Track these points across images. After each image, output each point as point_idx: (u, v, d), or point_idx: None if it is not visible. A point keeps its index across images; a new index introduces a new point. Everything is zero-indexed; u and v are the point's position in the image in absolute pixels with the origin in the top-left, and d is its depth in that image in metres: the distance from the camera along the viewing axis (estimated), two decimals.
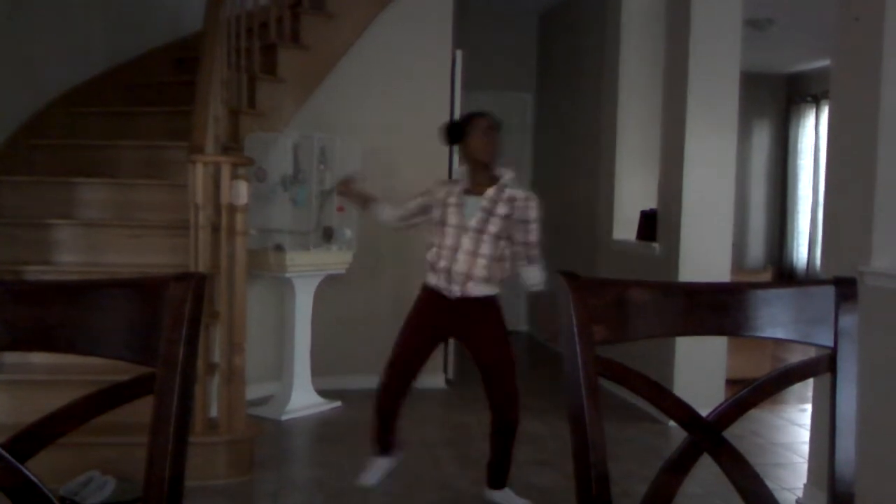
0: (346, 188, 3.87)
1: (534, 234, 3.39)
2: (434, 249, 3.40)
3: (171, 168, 4.49)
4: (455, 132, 3.50)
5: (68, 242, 4.26)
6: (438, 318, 3.42)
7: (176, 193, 4.16)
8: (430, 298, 3.42)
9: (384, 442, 3.53)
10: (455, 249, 3.33)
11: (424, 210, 3.51)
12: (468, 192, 3.39)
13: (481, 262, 3.33)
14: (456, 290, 3.34)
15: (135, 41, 5.48)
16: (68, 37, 5.12)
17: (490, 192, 3.34)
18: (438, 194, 3.45)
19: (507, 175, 3.42)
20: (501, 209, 3.33)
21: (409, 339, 3.43)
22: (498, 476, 3.52)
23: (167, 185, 4.45)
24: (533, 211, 3.37)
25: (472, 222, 3.33)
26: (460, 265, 3.33)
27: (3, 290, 1.09)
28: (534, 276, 3.44)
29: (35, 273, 4.04)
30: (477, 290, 3.35)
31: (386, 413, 3.46)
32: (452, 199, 3.38)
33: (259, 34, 5.05)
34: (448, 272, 3.34)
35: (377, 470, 3.56)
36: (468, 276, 3.33)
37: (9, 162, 4.59)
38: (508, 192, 3.37)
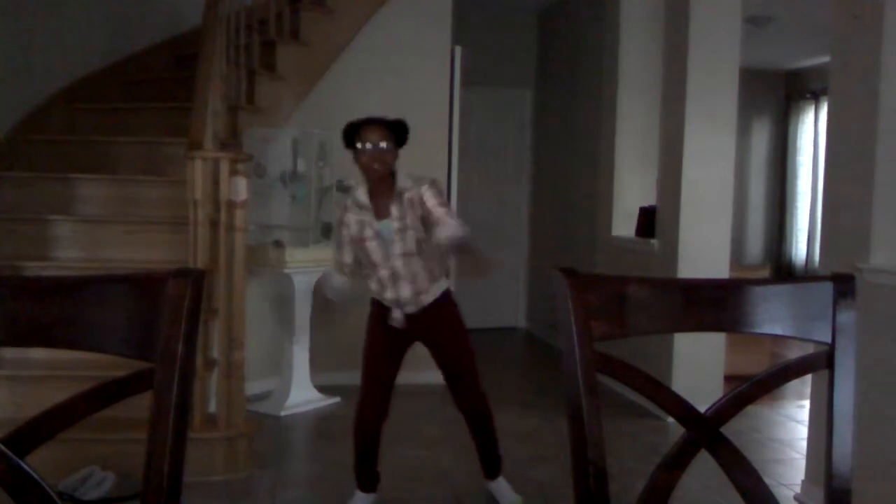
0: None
1: (438, 210, 3.15)
2: (373, 282, 3.27)
3: (171, 164, 4.50)
4: (347, 138, 3.23)
5: (67, 238, 4.26)
6: (398, 332, 3.29)
7: (175, 189, 4.16)
8: (383, 316, 3.29)
9: (367, 476, 3.38)
10: (395, 280, 3.21)
11: (356, 243, 3.28)
12: (378, 215, 3.20)
13: (421, 275, 3.21)
14: (412, 309, 3.25)
15: (134, 37, 5.48)
16: (67, 33, 5.11)
17: (394, 209, 3.17)
18: (353, 230, 3.24)
19: (403, 181, 3.19)
20: (410, 218, 3.16)
21: (376, 357, 3.32)
22: (487, 465, 3.50)
23: (166, 181, 4.45)
24: (430, 199, 3.16)
25: (395, 248, 3.18)
26: (405, 290, 3.22)
27: (3, 286, 1.10)
28: (446, 228, 3.12)
29: (34, 269, 4.04)
30: (430, 297, 3.26)
31: (367, 440, 3.32)
32: (368, 232, 3.20)
33: (258, 30, 5.05)
34: (397, 301, 3.24)
35: None
36: (417, 293, 3.24)
37: (8, 158, 4.59)
38: (406, 196, 3.17)
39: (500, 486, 3.52)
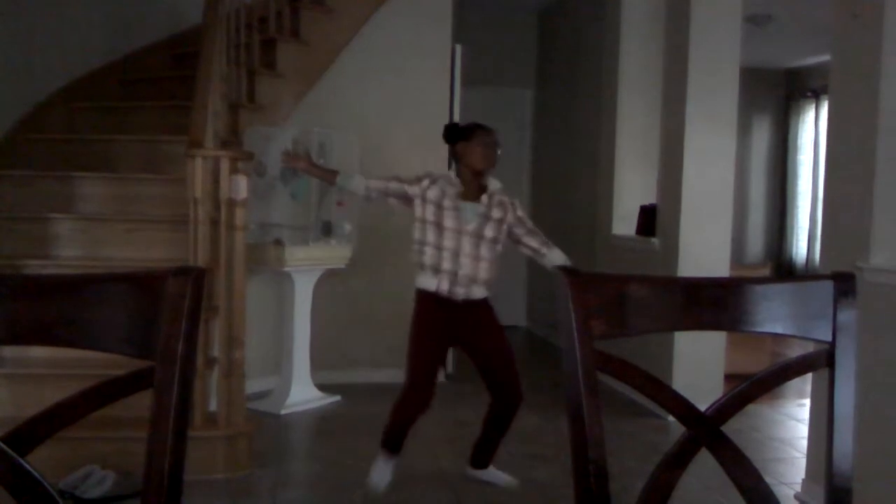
0: (298, 163, 3.79)
1: (529, 222, 3.56)
2: (429, 250, 3.41)
3: (171, 162, 4.49)
4: (455, 133, 3.55)
5: (67, 237, 4.26)
6: (446, 323, 3.43)
7: (175, 188, 4.16)
8: (433, 305, 3.43)
9: (397, 445, 3.49)
10: (457, 253, 3.39)
11: (405, 197, 3.51)
12: (463, 196, 3.45)
13: (483, 265, 3.42)
14: (461, 293, 3.39)
15: (134, 36, 5.48)
16: (67, 32, 5.11)
17: (484, 198, 3.45)
18: (429, 192, 3.44)
19: (494, 184, 3.53)
20: (496, 213, 3.45)
21: (426, 352, 3.44)
22: (484, 456, 3.64)
23: (166, 180, 4.45)
24: (520, 209, 3.55)
25: (471, 227, 3.41)
26: (465, 268, 3.39)
27: (3, 285, 1.09)
28: (558, 256, 3.54)
29: (34, 267, 4.04)
30: (479, 292, 3.44)
31: (408, 422, 3.45)
32: (448, 203, 3.41)
33: (258, 29, 5.05)
34: (454, 275, 3.39)
35: (387, 470, 3.50)
36: (472, 280, 3.40)
37: (8, 156, 4.59)
38: (497, 197, 3.49)
39: (493, 472, 3.66)
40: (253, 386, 4.50)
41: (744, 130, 8.88)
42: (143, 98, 5.17)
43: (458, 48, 5.79)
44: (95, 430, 3.41)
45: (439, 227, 3.41)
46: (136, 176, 4.54)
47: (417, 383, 3.41)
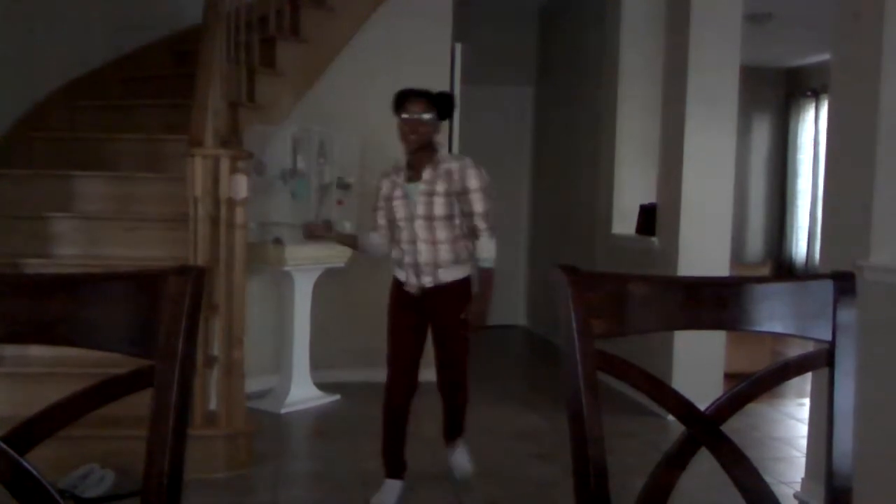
0: (321, 233, 3.70)
1: (478, 203, 3.29)
2: (394, 245, 3.40)
3: (171, 161, 4.49)
4: (395, 107, 3.37)
5: (67, 235, 4.26)
6: (416, 305, 3.38)
7: (175, 187, 4.16)
8: (403, 291, 3.41)
9: (396, 460, 3.44)
10: (413, 242, 3.32)
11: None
12: (409, 179, 3.35)
13: (443, 247, 3.30)
14: (428, 281, 3.33)
15: (134, 34, 5.47)
16: (68, 30, 5.11)
17: (426, 173, 3.29)
18: (383, 191, 3.43)
19: (442, 150, 3.38)
20: (440, 187, 3.26)
21: (398, 334, 3.42)
22: (452, 432, 3.63)
23: (166, 179, 4.44)
24: (472, 179, 3.27)
25: (419, 209, 3.28)
26: (424, 256, 3.31)
27: (3, 284, 1.09)
28: (482, 249, 3.31)
29: (34, 266, 4.04)
30: (448, 275, 3.32)
31: (396, 417, 3.39)
32: (397, 192, 3.35)
33: (258, 27, 5.05)
34: (415, 266, 3.33)
35: (391, 493, 3.41)
36: (436, 265, 3.31)
37: (8, 155, 4.59)
38: (444, 166, 3.29)
39: (456, 453, 3.65)
40: (253, 385, 4.49)
41: (744, 129, 8.87)
42: (143, 97, 5.16)
43: (459, 46, 5.78)
44: (95, 429, 3.41)
45: (392, 221, 3.38)
46: (136, 175, 4.54)
47: (394, 363, 3.41)
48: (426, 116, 3.28)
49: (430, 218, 3.26)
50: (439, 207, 3.25)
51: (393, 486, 3.43)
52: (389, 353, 3.43)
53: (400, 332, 3.41)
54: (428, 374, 3.48)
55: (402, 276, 3.39)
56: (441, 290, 3.33)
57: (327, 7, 5.36)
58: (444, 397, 3.51)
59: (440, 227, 3.27)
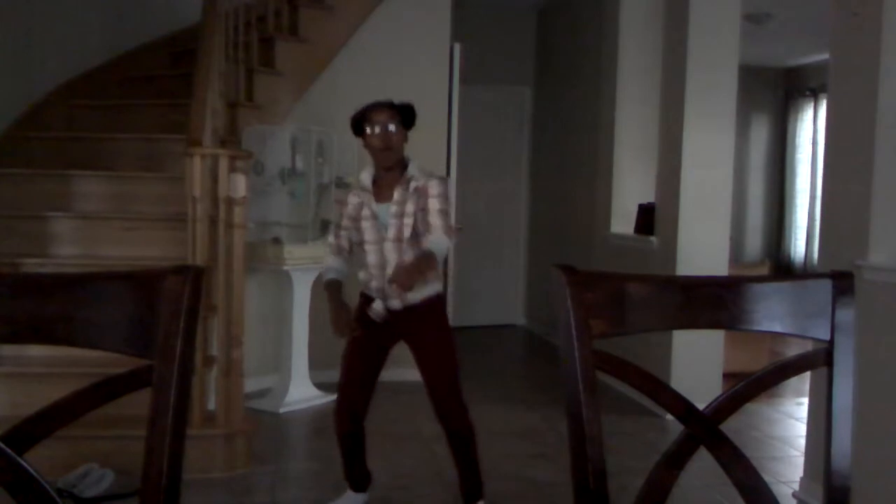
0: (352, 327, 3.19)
1: (434, 203, 3.05)
2: (362, 270, 3.17)
3: (169, 161, 4.50)
4: (355, 126, 3.15)
5: (66, 235, 4.26)
6: (381, 329, 3.15)
7: (173, 186, 4.16)
8: (365, 311, 3.16)
9: (354, 476, 3.36)
10: (382, 266, 3.08)
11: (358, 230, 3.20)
12: (378, 198, 3.12)
13: None
14: (396, 305, 3.12)
15: (132, 34, 5.48)
16: (66, 29, 5.11)
17: (396, 194, 3.07)
18: (350, 210, 3.18)
19: (411, 165, 3.13)
20: (410, 206, 3.05)
21: (351, 360, 3.25)
22: (469, 490, 3.24)
23: (165, 178, 4.45)
24: (433, 188, 3.06)
25: (390, 232, 3.06)
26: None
27: (1, 283, 1.09)
28: (434, 241, 3.00)
29: (33, 266, 4.04)
30: (417, 296, 3.08)
31: (348, 441, 3.29)
32: (365, 212, 3.11)
33: (257, 27, 5.05)
34: (383, 291, 3.11)
35: (348, 503, 3.36)
36: None
37: (6, 154, 4.59)
38: (413, 184, 3.08)
39: None
40: (251, 384, 4.50)
41: (742, 129, 8.89)
42: (141, 96, 5.16)
43: (457, 46, 5.78)
44: (94, 429, 3.41)
45: (362, 243, 3.14)
46: (134, 174, 4.54)
47: (345, 387, 3.25)
48: (393, 127, 3.07)
49: (399, 240, 3.06)
50: (408, 228, 3.05)
51: (353, 498, 3.38)
52: (341, 374, 3.28)
53: (355, 354, 3.24)
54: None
55: (371, 294, 3.18)
56: (411, 311, 3.13)
57: (326, 7, 5.36)
58: (444, 429, 3.21)
59: (409, 248, 3.05)
